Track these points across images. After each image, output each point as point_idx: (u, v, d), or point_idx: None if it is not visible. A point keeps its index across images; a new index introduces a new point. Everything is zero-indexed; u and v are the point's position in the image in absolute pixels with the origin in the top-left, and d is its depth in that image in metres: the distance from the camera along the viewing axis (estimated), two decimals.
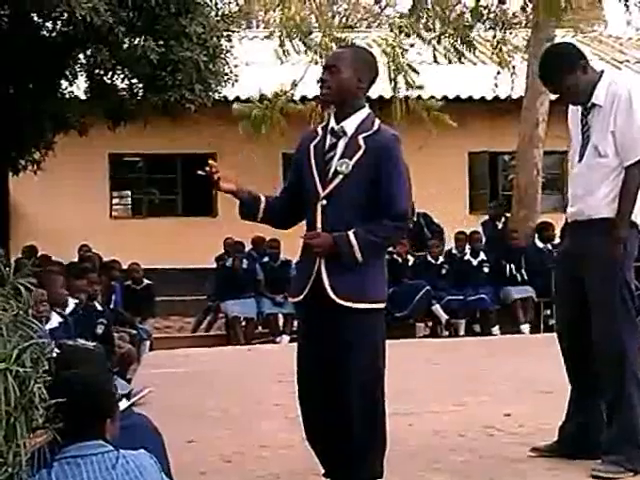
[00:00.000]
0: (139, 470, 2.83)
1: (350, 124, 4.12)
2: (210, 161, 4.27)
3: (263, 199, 4.32)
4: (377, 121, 4.18)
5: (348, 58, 4.18)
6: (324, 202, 4.09)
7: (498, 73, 14.22)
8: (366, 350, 4.05)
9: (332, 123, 4.18)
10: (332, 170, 4.10)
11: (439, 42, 13.80)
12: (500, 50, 14.34)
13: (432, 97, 13.34)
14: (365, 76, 4.17)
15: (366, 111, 4.17)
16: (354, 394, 4.02)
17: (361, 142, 4.08)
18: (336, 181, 4.09)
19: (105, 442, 2.84)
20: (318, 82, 4.22)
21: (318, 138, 4.20)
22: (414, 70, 13.41)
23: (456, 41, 13.66)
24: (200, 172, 4.22)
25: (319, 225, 4.12)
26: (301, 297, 4.16)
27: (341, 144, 4.12)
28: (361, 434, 4.05)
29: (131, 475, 2.81)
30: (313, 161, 4.16)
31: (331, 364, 4.05)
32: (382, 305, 4.15)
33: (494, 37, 14.47)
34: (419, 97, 13.57)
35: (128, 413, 3.37)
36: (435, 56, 13.83)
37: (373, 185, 4.05)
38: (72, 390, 2.83)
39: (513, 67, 14.18)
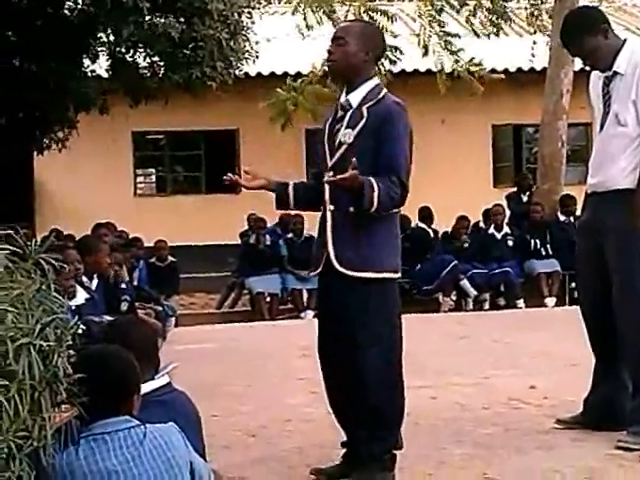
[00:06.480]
0: (167, 445, 2.84)
1: (356, 96, 4.16)
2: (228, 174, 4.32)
3: (291, 188, 4.36)
4: (384, 91, 4.19)
5: (356, 31, 4.21)
6: (330, 173, 4.09)
7: (534, 43, 14.12)
8: (377, 323, 4.04)
9: (342, 97, 4.23)
10: (337, 141, 4.15)
11: (474, 15, 13.70)
12: (537, 18, 14.25)
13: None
14: (372, 50, 4.19)
15: (374, 83, 4.19)
16: (368, 367, 4.02)
17: (364, 112, 4.11)
18: (340, 152, 4.13)
19: (131, 417, 2.85)
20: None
21: (332, 113, 4.27)
22: (456, 35, 13.24)
23: (492, 13, 13.55)
24: (225, 180, 4.30)
25: (327, 197, 4.15)
26: (317, 271, 4.20)
27: (347, 116, 4.16)
28: (377, 407, 4.06)
29: (159, 450, 2.81)
30: (326, 135, 4.23)
31: (344, 337, 4.06)
32: (391, 275, 4.13)
33: (531, 6, 14.36)
34: (446, 73, 13.38)
35: (169, 389, 3.39)
36: (474, 30, 13.73)
37: (375, 153, 4.05)
38: (103, 366, 2.84)
39: (535, 42, 14.10)
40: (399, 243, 4.21)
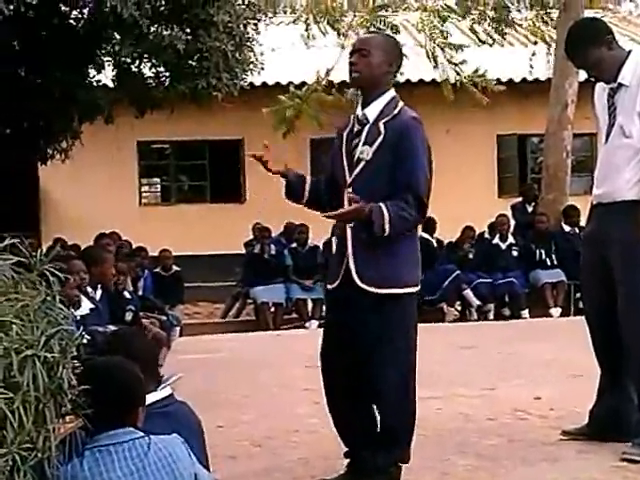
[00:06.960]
0: (172, 457, 2.84)
1: (372, 110, 4.14)
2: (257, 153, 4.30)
3: (309, 182, 4.36)
4: (400, 104, 4.17)
5: (378, 43, 4.21)
6: (349, 190, 4.07)
7: (533, 54, 14.14)
8: (396, 337, 4.03)
9: (358, 110, 4.20)
10: (356, 157, 4.12)
11: (479, 24, 13.75)
12: (545, 24, 14.29)
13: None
14: (394, 61, 4.21)
15: (390, 95, 4.17)
16: (385, 382, 4.02)
17: (381, 128, 4.09)
18: (359, 168, 4.11)
19: (135, 429, 2.85)
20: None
21: (349, 126, 4.24)
22: (459, 47, 13.27)
23: (495, 22, 13.62)
24: (251, 156, 4.29)
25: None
26: (335, 284, 4.17)
27: (364, 131, 4.14)
28: (390, 420, 4.07)
29: (163, 462, 2.82)
30: (344, 149, 4.20)
31: (360, 351, 4.04)
32: (412, 290, 4.11)
33: (536, 16, 14.42)
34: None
35: (171, 400, 3.38)
36: (479, 38, 13.81)
37: (393, 169, 4.03)
38: (108, 377, 2.85)
39: (534, 53, 14.13)
40: (419, 257, 4.20)
